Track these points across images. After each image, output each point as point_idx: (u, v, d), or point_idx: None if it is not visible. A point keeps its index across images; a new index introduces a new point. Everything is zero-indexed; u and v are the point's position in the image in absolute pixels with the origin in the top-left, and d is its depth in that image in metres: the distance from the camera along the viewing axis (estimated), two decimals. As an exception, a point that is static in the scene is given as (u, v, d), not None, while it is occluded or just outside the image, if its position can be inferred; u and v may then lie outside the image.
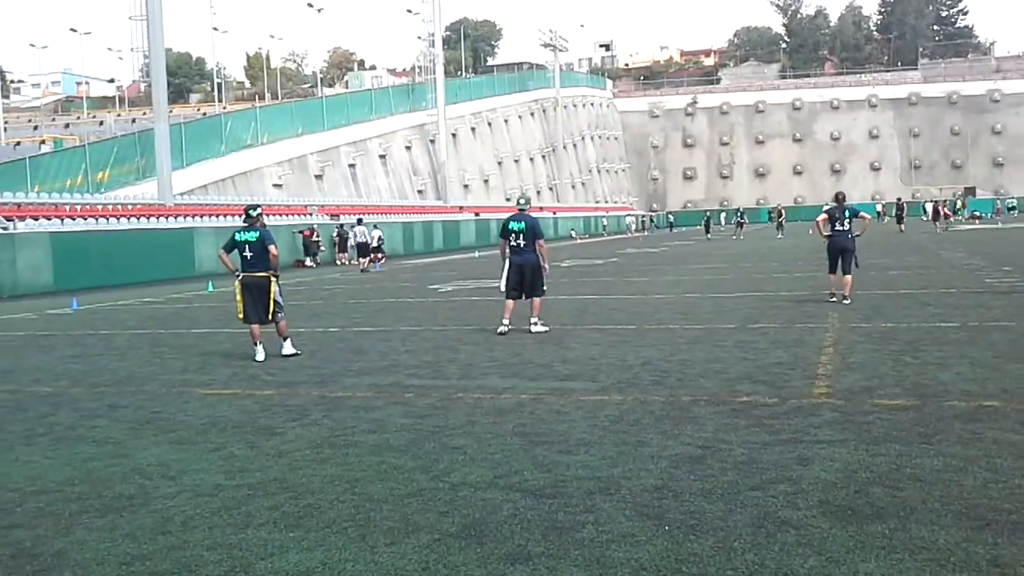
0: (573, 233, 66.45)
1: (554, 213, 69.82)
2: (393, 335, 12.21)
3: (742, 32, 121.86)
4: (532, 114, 76.54)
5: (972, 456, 5.21)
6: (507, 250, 11.87)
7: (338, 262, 37.64)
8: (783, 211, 54.40)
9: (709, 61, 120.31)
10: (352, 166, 50.49)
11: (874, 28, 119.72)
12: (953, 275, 18.59)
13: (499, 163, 68.61)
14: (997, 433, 5.70)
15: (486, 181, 65.91)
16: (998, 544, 3.87)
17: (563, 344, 10.61)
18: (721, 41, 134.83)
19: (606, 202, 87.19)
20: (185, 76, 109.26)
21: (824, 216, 14.49)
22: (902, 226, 45.27)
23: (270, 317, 10.23)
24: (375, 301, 18.34)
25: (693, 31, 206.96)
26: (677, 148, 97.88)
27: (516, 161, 71.70)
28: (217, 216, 34.18)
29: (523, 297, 11.93)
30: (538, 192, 73.89)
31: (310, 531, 4.35)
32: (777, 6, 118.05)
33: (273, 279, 10.23)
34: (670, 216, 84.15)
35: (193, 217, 33.09)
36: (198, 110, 78.46)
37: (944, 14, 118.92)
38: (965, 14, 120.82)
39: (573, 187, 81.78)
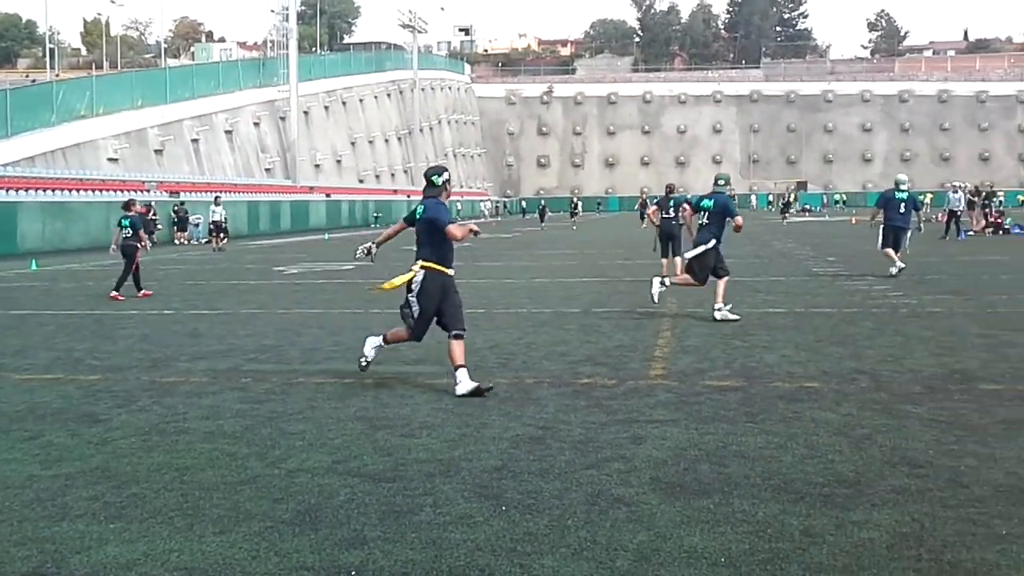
0: (427, 217, 66.13)
1: (408, 196, 69.31)
2: (233, 318, 11.78)
3: (598, 24, 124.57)
4: (388, 95, 75.54)
5: (792, 433, 5.52)
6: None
7: (176, 241, 36.05)
8: (647, 200, 56.43)
9: (566, 51, 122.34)
10: (195, 141, 48.30)
11: (722, 26, 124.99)
12: (783, 264, 19.71)
13: (353, 143, 67.35)
14: (815, 412, 6.06)
15: (339, 161, 64.57)
16: (810, 515, 4.12)
17: (411, 327, 10.53)
18: (578, 32, 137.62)
19: (461, 187, 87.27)
20: (13, 39, 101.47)
21: (655, 207, 16.10)
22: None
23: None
24: (215, 283, 17.65)
25: (551, 20, 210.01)
26: (532, 136, 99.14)
27: (371, 142, 70.63)
28: (45, 190, 31.96)
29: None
30: (392, 175, 73.11)
31: (132, 522, 4.13)
32: (632, 0, 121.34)
33: (430, 270, 6.93)
34: (523, 203, 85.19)
35: (17, 191, 30.79)
36: (27, 76, 73.01)
37: (786, 16, 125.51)
38: (805, 17, 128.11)
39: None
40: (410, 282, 6.96)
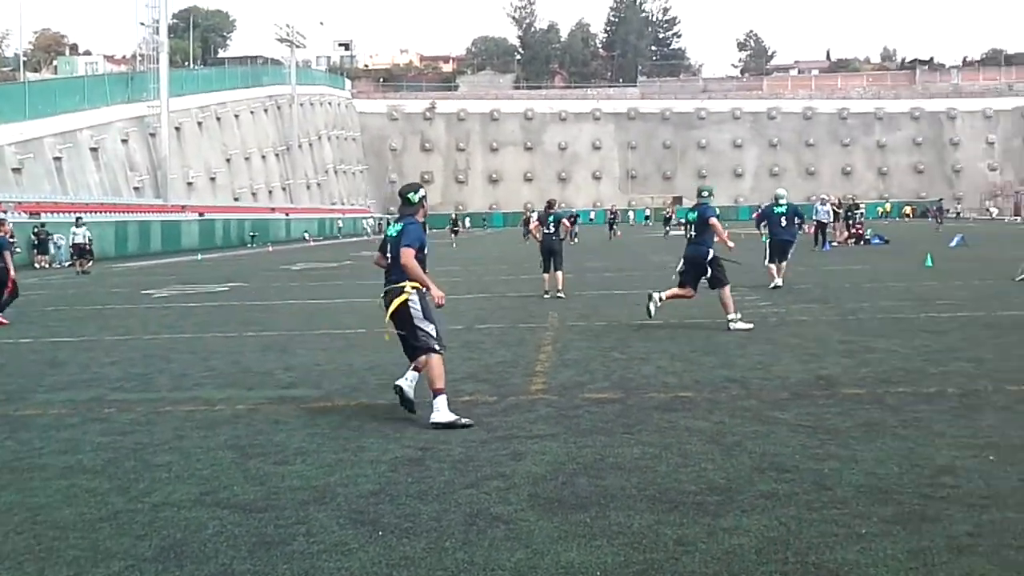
0: (307, 235, 64.98)
1: (287, 214, 67.89)
2: (97, 345, 11.20)
3: (479, 41, 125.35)
4: (266, 110, 73.86)
5: (667, 443, 5.63)
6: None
7: (36, 265, 34.10)
8: (530, 217, 56.75)
9: (448, 67, 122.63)
10: (58, 159, 45.94)
11: (600, 45, 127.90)
12: (660, 277, 20.18)
13: (228, 160, 65.46)
14: (689, 421, 6.21)
15: (213, 179, 62.61)
16: (683, 524, 4.20)
17: (287, 351, 10.27)
18: (460, 48, 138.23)
19: (342, 204, 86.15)
20: None
21: (536, 222, 16.17)
22: (617, 232, 48.85)
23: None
24: (78, 308, 16.79)
25: (433, 36, 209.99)
26: (415, 152, 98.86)
27: (247, 159, 68.82)
28: None
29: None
30: (270, 192, 71.42)
31: (-24, 570, 3.84)
32: (513, 18, 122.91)
33: (409, 291, 6.54)
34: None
35: None
36: None
37: (661, 36, 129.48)
38: (679, 37, 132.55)
39: (308, 188, 79.95)
40: (407, 309, 6.48)
